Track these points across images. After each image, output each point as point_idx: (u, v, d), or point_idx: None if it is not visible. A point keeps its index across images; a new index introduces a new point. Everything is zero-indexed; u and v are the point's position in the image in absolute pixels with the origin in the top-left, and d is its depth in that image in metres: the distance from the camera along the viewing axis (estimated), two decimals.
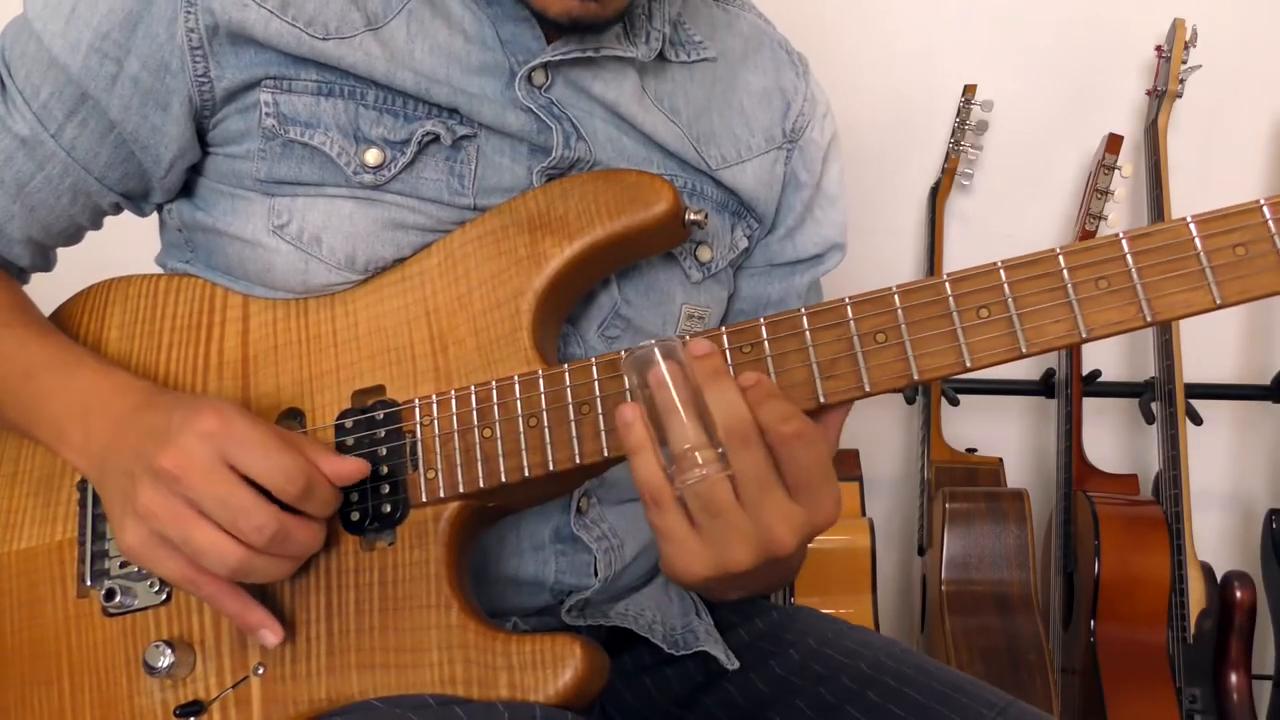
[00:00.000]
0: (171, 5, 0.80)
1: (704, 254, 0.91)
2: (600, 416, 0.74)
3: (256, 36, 0.80)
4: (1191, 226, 0.65)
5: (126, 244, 1.07)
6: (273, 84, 0.82)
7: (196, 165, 0.87)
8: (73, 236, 0.92)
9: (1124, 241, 0.66)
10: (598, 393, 0.74)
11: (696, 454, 0.64)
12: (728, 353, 0.72)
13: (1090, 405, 2.09)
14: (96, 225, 0.92)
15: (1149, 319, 0.65)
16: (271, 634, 0.76)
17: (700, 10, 0.96)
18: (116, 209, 0.91)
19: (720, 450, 0.64)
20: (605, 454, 0.73)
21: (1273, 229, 0.64)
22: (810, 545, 2.15)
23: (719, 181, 0.92)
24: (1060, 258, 0.67)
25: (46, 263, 0.93)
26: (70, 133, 0.83)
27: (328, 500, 0.74)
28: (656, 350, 0.66)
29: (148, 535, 0.72)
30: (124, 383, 0.80)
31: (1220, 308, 0.65)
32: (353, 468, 0.76)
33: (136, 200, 0.90)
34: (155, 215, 0.94)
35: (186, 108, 0.83)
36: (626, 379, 0.68)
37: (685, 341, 0.68)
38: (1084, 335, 0.66)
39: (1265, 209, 0.64)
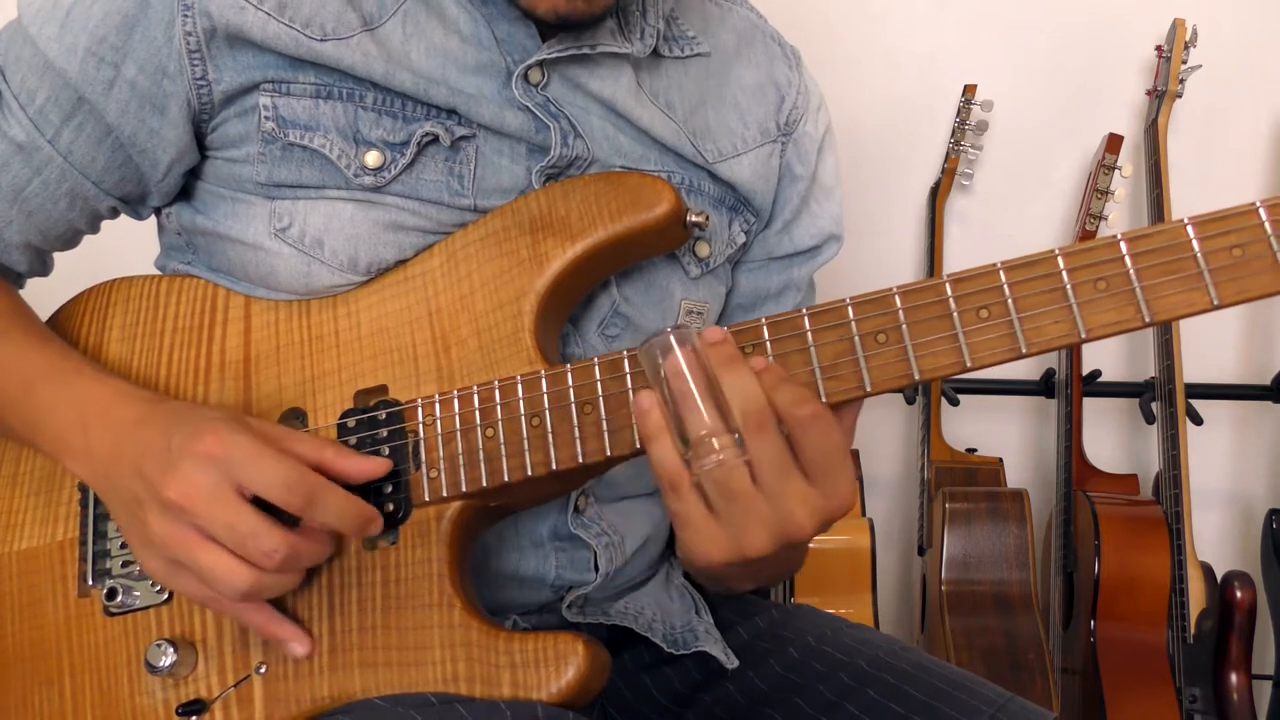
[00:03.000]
0: (168, 8, 0.80)
1: (702, 250, 0.92)
2: (603, 416, 0.74)
3: (254, 39, 0.80)
4: (1189, 228, 0.66)
5: (127, 246, 1.07)
6: (271, 87, 0.82)
7: (195, 169, 0.87)
8: (69, 241, 0.92)
9: (1122, 243, 0.66)
10: (600, 392, 0.74)
11: (713, 440, 0.64)
12: None
13: (1090, 405, 2.10)
14: (94, 229, 0.92)
15: (1147, 319, 0.66)
16: (299, 645, 0.76)
17: (693, 6, 0.96)
18: (114, 213, 0.91)
19: (736, 436, 0.65)
20: (608, 453, 0.74)
21: (1269, 230, 0.64)
22: (810, 545, 2.15)
23: (716, 175, 0.93)
24: (1059, 259, 0.67)
25: (44, 268, 0.94)
26: (67, 137, 0.83)
27: (338, 509, 0.73)
28: (672, 337, 0.66)
29: (165, 561, 0.73)
30: (122, 392, 0.79)
31: (1218, 308, 0.65)
32: (365, 465, 0.76)
33: (134, 204, 0.90)
34: (154, 218, 0.95)
35: (184, 111, 0.83)
36: (645, 367, 0.68)
37: (699, 329, 0.68)
38: (1083, 335, 0.67)
39: (1261, 211, 0.65)
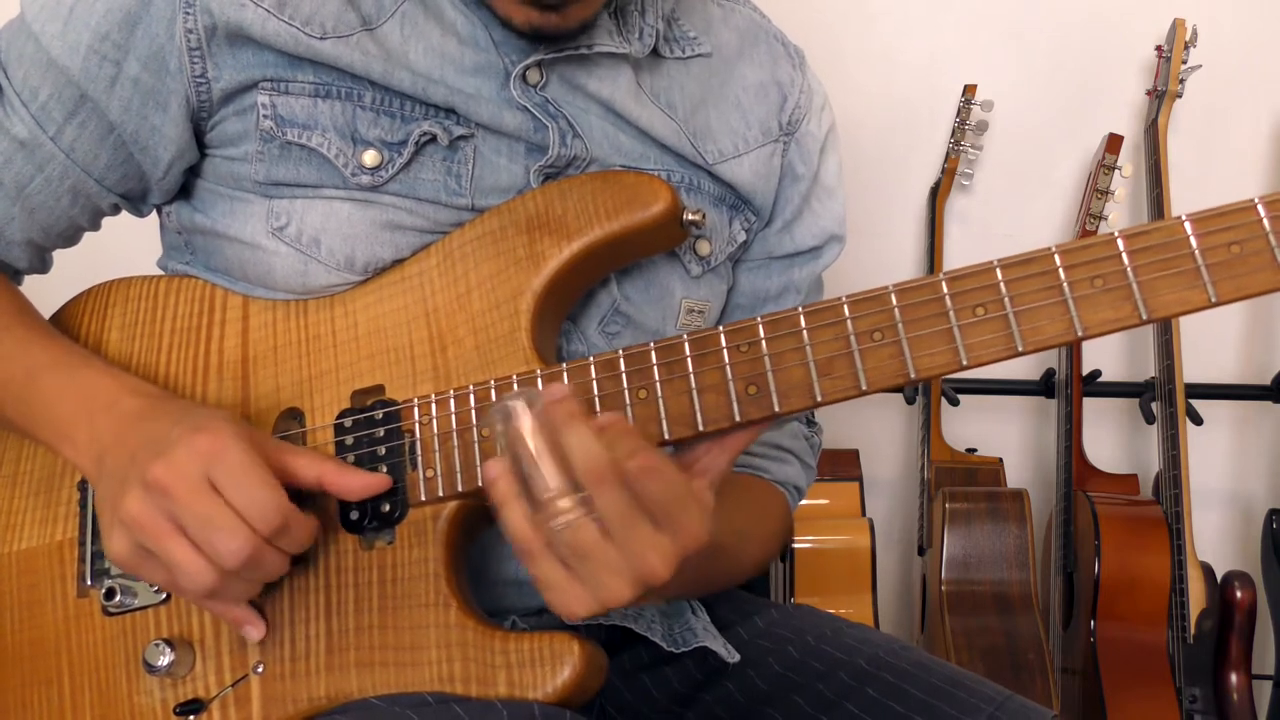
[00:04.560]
0: (170, 5, 0.80)
1: (703, 248, 0.91)
2: (598, 416, 0.74)
3: (254, 36, 0.80)
4: (1186, 225, 0.65)
5: (127, 245, 1.07)
6: (270, 86, 0.82)
7: (195, 167, 0.88)
8: (71, 238, 0.92)
9: (1119, 240, 0.66)
10: (595, 392, 0.74)
11: (557, 502, 0.65)
12: (725, 351, 0.72)
13: (1090, 405, 2.10)
14: (95, 226, 0.92)
15: (1144, 317, 0.66)
16: (254, 629, 0.77)
17: (695, 6, 0.96)
18: (115, 210, 0.91)
19: (582, 495, 0.65)
20: None
21: (1267, 227, 0.64)
22: (810, 545, 2.14)
23: (716, 176, 0.93)
24: (1056, 256, 0.67)
25: (43, 265, 0.94)
26: (70, 134, 0.84)
27: (302, 540, 0.74)
28: (509, 403, 0.66)
29: (133, 545, 0.73)
30: (131, 385, 0.80)
31: (1215, 305, 0.65)
32: (366, 481, 0.76)
33: (135, 201, 0.90)
34: (156, 217, 0.95)
35: (184, 109, 0.83)
36: (491, 433, 0.69)
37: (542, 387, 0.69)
38: (1080, 333, 0.66)
39: (1260, 207, 0.64)
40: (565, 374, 0.75)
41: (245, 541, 0.70)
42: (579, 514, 0.65)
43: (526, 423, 0.66)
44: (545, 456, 0.65)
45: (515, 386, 0.76)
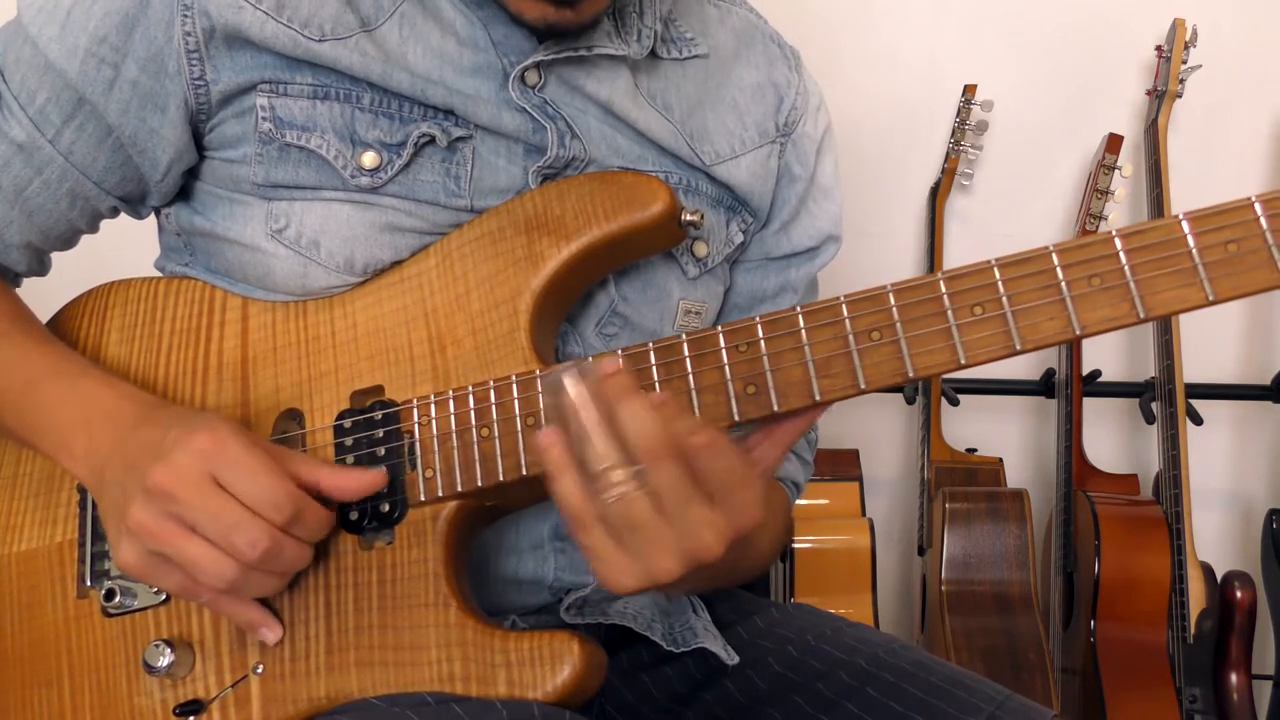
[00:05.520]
0: (168, 8, 0.80)
1: (700, 249, 0.92)
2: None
3: (253, 39, 0.80)
4: (1184, 224, 0.65)
5: (126, 247, 1.07)
6: (268, 88, 0.82)
7: (194, 169, 0.87)
8: (69, 241, 0.92)
9: (1117, 239, 0.66)
10: None
11: (612, 473, 0.65)
12: (724, 351, 0.72)
13: (1090, 405, 2.10)
14: (94, 229, 0.92)
15: (1142, 315, 0.66)
16: (270, 632, 0.77)
17: (692, 7, 0.96)
18: (114, 212, 0.91)
19: (637, 467, 0.65)
20: None
21: (1264, 225, 0.64)
22: (810, 545, 2.14)
23: (713, 177, 0.93)
24: (1054, 255, 0.67)
25: (41, 268, 0.94)
26: (68, 137, 0.84)
27: (317, 527, 0.75)
28: (564, 374, 0.66)
29: (143, 552, 0.73)
30: (128, 393, 0.80)
31: (1213, 304, 0.65)
32: (362, 480, 0.77)
33: (134, 204, 0.90)
34: (154, 219, 0.95)
35: (182, 111, 0.83)
36: (545, 403, 0.69)
37: (595, 361, 0.69)
38: (1078, 332, 0.67)
39: (1257, 206, 0.65)
40: None
41: (262, 532, 0.70)
42: (633, 486, 0.64)
43: (579, 393, 0.65)
44: (599, 428, 0.65)
45: (515, 387, 0.77)
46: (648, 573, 0.66)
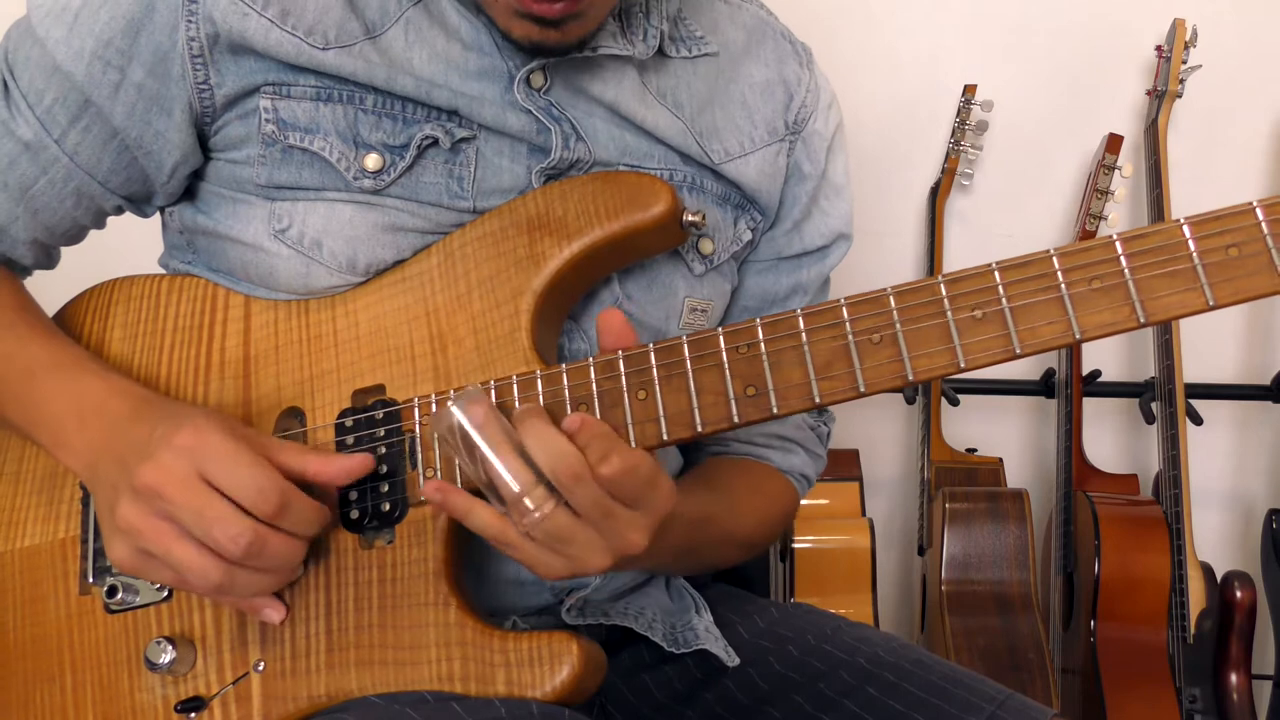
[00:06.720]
0: (173, 13, 0.80)
1: (706, 247, 0.91)
2: (598, 416, 0.74)
3: (256, 46, 0.80)
4: (1185, 228, 0.65)
5: (129, 244, 1.08)
6: (272, 90, 0.82)
7: (198, 170, 0.88)
8: (75, 236, 0.92)
9: (1118, 243, 0.66)
10: (595, 392, 0.74)
11: (526, 500, 0.67)
12: (724, 352, 0.72)
13: (1090, 405, 2.10)
14: (100, 225, 0.93)
15: (1142, 320, 0.66)
16: (274, 611, 0.78)
17: (703, 5, 0.96)
18: (119, 211, 0.91)
19: (547, 484, 0.67)
20: None
21: (1265, 230, 0.64)
22: (810, 545, 2.14)
23: (721, 175, 0.93)
24: (1054, 259, 0.67)
25: (50, 261, 0.94)
26: (74, 138, 0.84)
27: (307, 519, 0.75)
28: (455, 405, 0.67)
29: (134, 550, 0.74)
30: (121, 388, 0.80)
31: (1213, 309, 0.65)
32: (347, 465, 0.77)
33: (139, 203, 0.90)
34: (158, 216, 0.95)
35: (187, 114, 0.83)
36: (441, 439, 0.71)
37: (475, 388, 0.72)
38: (1078, 336, 0.67)
39: (1258, 210, 0.65)
40: (565, 374, 0.75)
41: (242, 527, 0.71)
42: (551, 506, 0.67)
43: (480, 421, 0.67)
44: (506, 455, 0.67)
45: (515, 387, 0.77)
46: (582, 570, 0.71)
